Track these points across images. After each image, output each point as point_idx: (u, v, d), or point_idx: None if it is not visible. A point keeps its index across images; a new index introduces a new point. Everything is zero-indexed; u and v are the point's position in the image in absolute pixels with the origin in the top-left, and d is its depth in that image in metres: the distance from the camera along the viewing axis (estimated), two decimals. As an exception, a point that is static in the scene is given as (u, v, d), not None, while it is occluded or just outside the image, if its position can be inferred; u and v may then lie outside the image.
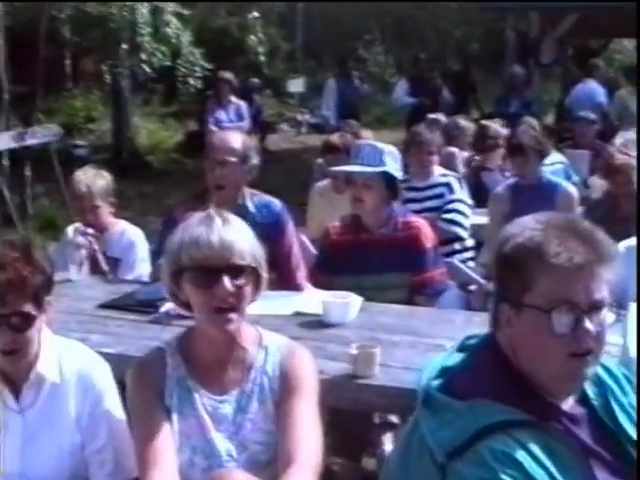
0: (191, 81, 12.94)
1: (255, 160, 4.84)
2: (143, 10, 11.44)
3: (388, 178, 4.69)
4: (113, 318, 4.25)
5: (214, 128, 10.73)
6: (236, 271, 2.66)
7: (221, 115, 11.49)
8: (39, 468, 2.91)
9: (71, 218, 5.49)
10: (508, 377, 2.13)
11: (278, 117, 19.06)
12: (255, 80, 16.77)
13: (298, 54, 21.97)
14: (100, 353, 3.57)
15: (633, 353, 2.72)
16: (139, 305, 4.33)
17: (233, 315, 2.68)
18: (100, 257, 5.21)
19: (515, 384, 2.12)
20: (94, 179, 5.33)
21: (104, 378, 2.98)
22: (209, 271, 2.64)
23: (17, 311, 2.78)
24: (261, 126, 16.36)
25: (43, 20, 11.49)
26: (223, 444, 2.75)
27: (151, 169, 15.43)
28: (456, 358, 2.27)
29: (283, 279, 4.84)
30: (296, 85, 18.39)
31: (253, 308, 4.10)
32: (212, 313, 2.68)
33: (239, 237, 2.68)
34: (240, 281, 2.67)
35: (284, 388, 2.77)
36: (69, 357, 2.98)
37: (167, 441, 2.69)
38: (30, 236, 9.60)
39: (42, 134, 10.40)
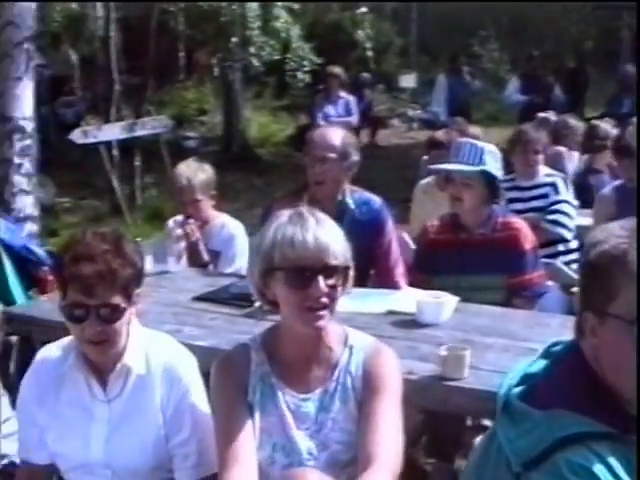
0: (300, 75, 12.97)
1: (355, 157, 4.81)
2: (253, 4, 11.51)
3: (488, 177, 4.62)
4: (208, 311, 4.28)
5: (322, 122, 10.74)
6: (331, 271, 2.65)
7: (329, 110, 11.51)
8: (123, 457, 2.94)
9: (177, 209, 5.54)
10: (590, 387, 2.06)
11: (389, 112, 18.94)
12: (366, 75, 16.73)
13: (412, 49, 21.85)
14: (191, 345, 3.61)
15: None
16: (234, 299, 4.34)
17: (324, 312, 2.67)
18: (202, 247, 5.24)
19: (597, 395, 2.05)
20: (195, 172, 5.35)
21: (190, 372, 2.99)
22: (304, 271, 2.63)
23: (106, 303, 2.81)
24: (372, 121, 16.30)
25: (154, 13, 11.65)
26: (304, 442, 2.74)
27: (261, 162, 15.51)
28: (539, 365, 2.21)
29: (380, 276, 4.83)
30: (408, 80, 18.28)
31: (346, 306, 4.14)
32: (304, 312, 2.66)
33: (333, 237, 2.67)
34: (333, 281, 2.66)
35: (367, 388, 2.74)
36: (156, 349, 3.00)
37: (248, 437, 2.69)
38: (137, 226, 9.78)
39: (152, 125, 10.55)
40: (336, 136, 4.80)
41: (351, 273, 2.77)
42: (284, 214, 2.73)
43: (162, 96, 17.99)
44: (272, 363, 2.80)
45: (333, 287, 2.66)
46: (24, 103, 7.62)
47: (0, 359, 4.47)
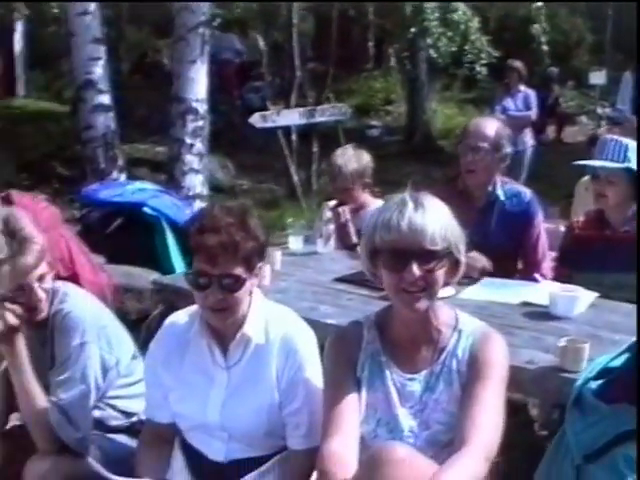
0: (477, 67, 12.94)
1: (508, 149, 4.84)
2: (433, -5, 11.58)
3: (633, 174, 4.56)
4: (346, 292, 4.40)
5: (501, 115, 10.69)
6: (427, 255, 2.71)
7: (509, 103, 11.42)
8: (238, 422, 3.09)
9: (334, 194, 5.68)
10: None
11: (578, 109, 18.67)
12: (554, 69, 16.50)
13: (606, 47, 21.37)
14: (323, 323, 3.75)
15: None
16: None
17: (421, 295, 2.74)
18: (351, 228, 5.36)
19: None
20: (349, 160, 5.46)
21: (307, 345, 3.11)
22: (399, 254, 2.71)
23: (228, 273, 2.96)
24: (559, 117, 16.09)
25: (335, 3, 11.86)
26: (407, 420, 2.82)
27: (442, 154, 15.52)
28: (620, 359, 2.23)
29: (528, 268, 4.85)
30: (598, 77, 17.88)
31: (483, 294, 4.18)
32: (401, 293, 2.75)
33: (431, 222, 2.71)
34: (430, 265, 2.72)
35: (472, 372, 2.80)
36: (276, 321, 3.13)
37: (353, 410, 2.80)
38: (311, 211, 9.97)
39: (331, 112, 10.72)
40: (490, 127, 4.84)
41: (462, 259, 2.82)
42: (391, 199, 2.80)
43: (350, 84, 18.21)
44: (382, 341, 2.89)
45: (430, 271, 2.72)
46: (198, 85, 7.94)
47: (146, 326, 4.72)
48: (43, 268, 3.38)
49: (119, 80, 17.80)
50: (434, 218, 2.73)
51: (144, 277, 6.16)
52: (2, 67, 20.03)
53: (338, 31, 12.28)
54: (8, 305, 3.30)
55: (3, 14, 17.68)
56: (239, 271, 2.98)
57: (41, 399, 3.35)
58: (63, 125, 15.77)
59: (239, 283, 2.99)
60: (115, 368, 3.50)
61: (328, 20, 12.41)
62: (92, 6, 7.94)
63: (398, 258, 2.71)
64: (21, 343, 3.34)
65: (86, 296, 3.62)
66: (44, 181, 13.16)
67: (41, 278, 3.38)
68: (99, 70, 8.12)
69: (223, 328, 3.10)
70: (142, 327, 5.10)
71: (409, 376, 2.85)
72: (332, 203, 5.52)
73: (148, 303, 5.98)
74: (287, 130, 11.04)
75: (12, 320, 3.29)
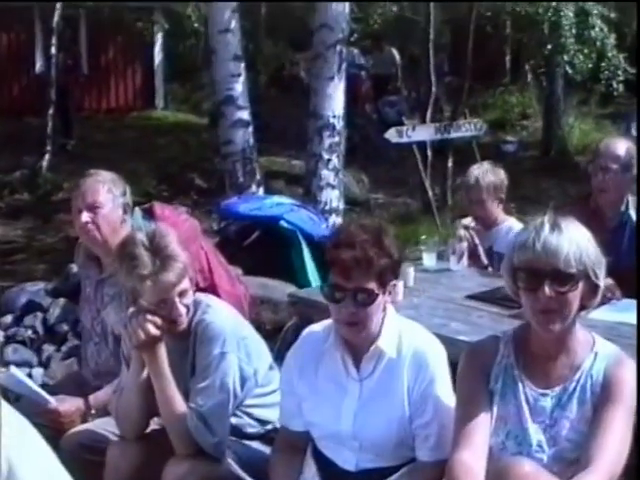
0: (614, 84, 12.80)
1: None
2: (569, 12, 11.49)
3: None
4: (477, 309, 4.46)
5: (633, 133, 10.59)
6: (560, 277, 2.76)
7: (641, 120, 11.30)
8: (369, 432, 3.19)
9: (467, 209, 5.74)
10: None
11: None
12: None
13: None
14: (454, 339, 3.82)
15: None
16: (504, 299, 4.46)
17: (555, 316, 2.79)
18: (481, 251, 5.42)
19: None
20: (485, 174, 5.53)
21: (438, 360, 3.19)
22: (533, 274, 2.77)
23: (361, 287, 3.07)
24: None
25: (472, 16, 11.87)
26: (536, 435, 2.87)
27: (579, 170, 15.35)
28: None
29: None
30: None
31: (613, 316, 4.17)
32: (537, 314, 2.81)
33: (567, 244, 2.75)
34: (564, 287, 2.77)
35: (604, 394, 2.83)
36: (408, 336, 3.22)
37: (484, 422, 2.88)
38: (445, 226, 10.01)
39: (466, 128, 10.75)
40: (621, 147, 4.86)
41: (600, 284, 2.85)
42: (532, 221, 2.87)
43: (486, 99, 18.17)
44: (518, 356, 2.96)
45: (563, 293, 2.77)
46: (335, 102, 8.08)
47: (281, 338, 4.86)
48: (185, 284, 3.51)
49: (256, 93, 18.17)
50: (570, 240, 2.77)
51: (280, 289, 6.31)
52: (142, 79, 20.63)
53: (475, 45, 12.29)
54: (149, 317, 3.46)
55: (143, 27, 18.20)
56: (372, 286, 3.08)
57: (181, 405, 3.48)
58: (201, 137, 16.17)
59: (372, 298, 3.09)
60: (253, 378, 3.62)
61: (465, 34, 12.43)
62: (233, 23, 8.18)
63: (532, 278, 2.77)
64: (162, 351, 3.49)
65: (227, 308, 3.74)
66: (183, 193, 13.50)
67: (182, 294, 3.51)
68: (239, 87, 8.35)
69: (356, 341, 3.20)
70: (277, 339, 5.25)
71: (542, 391, 2.91)
72: (466, 221, 5.58)
73: (283, 315, 6.12)
74: (422, 144, 11.11)
75: (153, 331, 3.44)
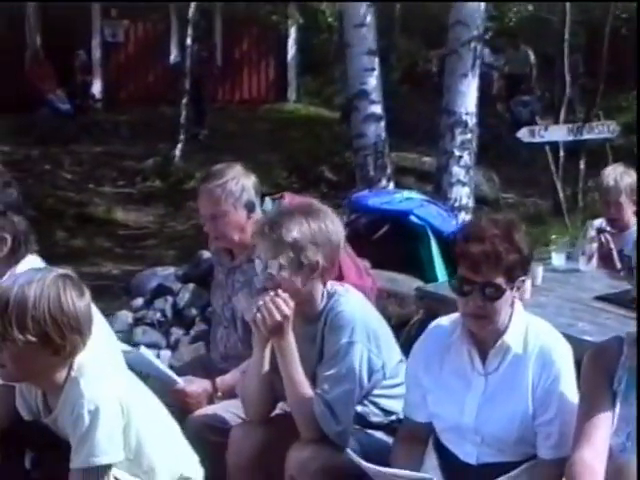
0: None
1: None
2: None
3: None
4: (605, 310, 4.43)
5: None
6: None
7: None
8: (492, 427, 3.20)
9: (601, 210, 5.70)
10: None
11: None
12: None
13: None
14: (580, 339, 3.81)
15: None
16: (633, 302, 4.42)
17: None
18: (614, 255, 5.36)
19: None
20: (622, 175, 5.47)
21: (564, 358, 3.19)
22: None
23: (489, 281, 3.09)
24: None
25: (608, 18, 11.71)
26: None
27: None
28: None
29: None
30: None
31: None
32: None
33: None
34: None
35: None
36: (535, 333, 3.22)
37: (606, 422, 2.88)
38: (575, 228, 9.88)
39: (599, 130, 10.58)
40: None
41: None
42: None
43: (620, 101, 17.84)
44: None
45: None
46: (468, 99, 8.07)
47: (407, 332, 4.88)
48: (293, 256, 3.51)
49: (389, 89, 18.17)
50: None
51: (407, 283, 6.31)
52: (275, 72, 20.85)
53: (610, 47, 12.10)
54: (281, 293, 3.50)
55: (277, 21, 18.37)
56: (500, 281, 3.09)
57: (307, 390, 3.51)
58: (333, 131, 16.28)
59: (499, 292, 3.11)
60: (382, 370, 3.62)
61: (600, 35, 12.26)
62: (368, 18, 8.23)
63: None
64: (291, 335, 3.51)
65: (359, 298, 3.74)
66: (313, 185, 13.61)
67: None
68: (372, 81, 8.39)
69: (483, 335, 3.21)
70: (402, 332, 5.27)
71: None
72: (597, 222, 5.53)
73: (409, 309, 6.13)
74: (555, 145, 10.98)
75: (285, 309, 3.47)
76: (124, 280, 8.60)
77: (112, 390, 2.97)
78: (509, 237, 3.10)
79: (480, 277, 3.07)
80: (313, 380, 3.56)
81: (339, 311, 3.56)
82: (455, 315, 3.33)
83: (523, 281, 3.20)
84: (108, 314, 6.94)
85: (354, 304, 3.62)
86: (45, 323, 2.89)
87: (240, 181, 4.23)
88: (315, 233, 3.49)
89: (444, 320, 3.41)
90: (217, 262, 4.54)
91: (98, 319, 3.39)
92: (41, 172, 14.63)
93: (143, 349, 4.18)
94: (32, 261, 3.54)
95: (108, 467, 2.96)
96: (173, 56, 19.24)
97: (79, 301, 2.97)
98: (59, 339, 2.92)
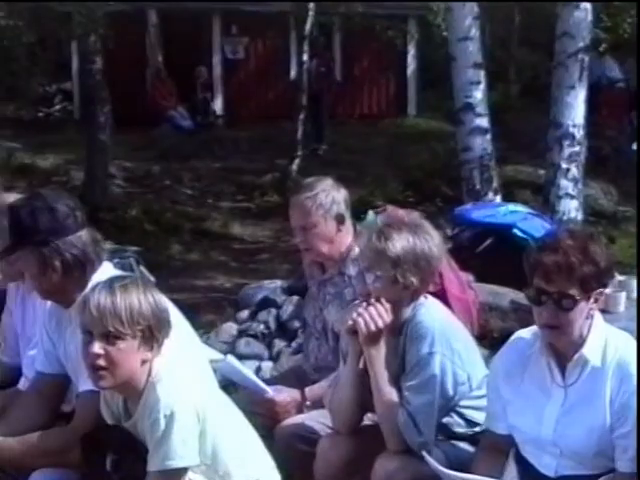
0: None
1: None
2: None
3: None
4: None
5: None
6: None
7: None
8: (570, 439, 3.18)
9: None
10: None
11: None
12: None
13: None
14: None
15: None
16: None
17: None
18: None
19: None
20: None
21: None
22: None
23: (562, 292, 3.07)
24: None
25: None
26: None
27: None
28: None
29: None
30: None
31: None
32: None
33: None
34: None
35: None
36: (614, 345, 3.19)
37: None
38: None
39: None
40: None
41: None
42: None
43: None
44: None
45: None
46: (575, 111, 7.98)
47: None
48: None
49: (505, 102, 18.02)
50: None
51: (509, 297, 6.28)
52: (395, 87, 20.87)
53: None
54: (383, 302, 3.54)
55: (395, 36, 18.34)
56: (574, 292, 3.07)
57: (395, 401, 3.54)
58: (450, 145, 16.22)
59: (573, 303, 3.09)
60: (467, 382, 3.62)
61: None
62: (473, 31, 8.24)
63: None
64: (383, 345, 3.56)
65: (441, 310, 3.76)
66: (428, 199, 13.59)
67: None
68: (478, 94, 8.39)
69: (560, 346, 3.20)
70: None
71: None
72: None
73: (511, 323, 6.09)
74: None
75: (385, 317, 3.51)
76: (235, 293, 8.74)
77: (189, 396, 3.05)
78: (584, 249, 3.08)
79: (553, 287, 3.06)
80: (398, 390, 3.59)
81: (418, 321, 3.59)
82: (536, 327, 3.31)
83: (601, 293, 3.17)
84: (215, 326, 7.12)
85: (434, 314, 3.64)
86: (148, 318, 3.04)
87: (330, 193, 4.27)
88: (418, 254, 3.55)
89: (525, 332, 3.40)
90: (310, 275, 4.60)
91: (183, 327, 3.48)
92: (161, 187, 14.96)
93: (230, 358, 4.26)
94: (106, 270, 3.63)
95: (184, 470, 3.04)
96: (293, 72, 19.45)
97: (157, 304, 3.09)
98: (157, 333, 3.07)
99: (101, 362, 3.05)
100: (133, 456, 3.08)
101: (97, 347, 3.04)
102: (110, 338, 3.03)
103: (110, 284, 3.10)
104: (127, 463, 3.11)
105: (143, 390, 3.10)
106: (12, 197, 4.00)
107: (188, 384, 3.12)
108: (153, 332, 3.05)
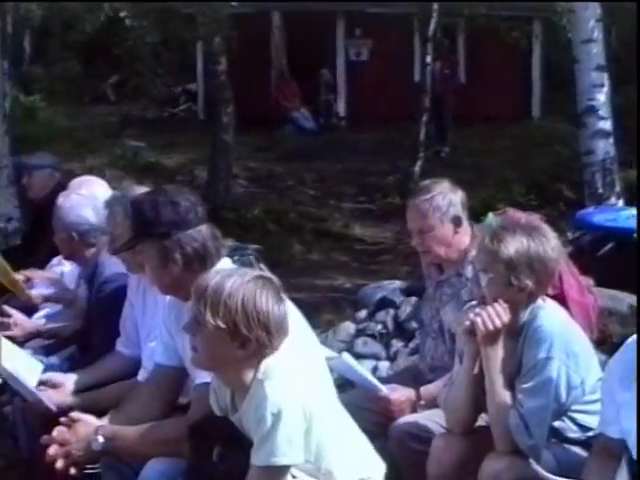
0: None
1: None
2: None
3: None
4: None
5: None
6: None
7: None
8: None
9: None
10: None
11: None
12: None
13: None
14: None
15: None
16: None
17: None
18: None
19: None
20: None
21: None
22: None
23: None
24: None
25: None
26: None
27: None
28: None
29: None
30: None
31: None
32: None
33: None
34: None
35: None
36: None
37: None
38: None
39: None
40: None
41: None
42: None
43: None
44: None
45: None
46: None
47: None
48: None
49: (631, 105, 17.64)
50: None
51: (629, 302, 6.21)
52: (519, 89, 20.64)
53: None
54: (502, 303, 3.55)
55: (519, 37, 18.16)
56: None
57: (508, 402, 3.55)
58: (574, 148, 16.01)
59: None
60: (580, 387, 3.61)
61: None
62: (596, 33, 8.15)
63: None
64: (500, 346, 3.58)
65: (561, 315, 3.74)
66: (551, 203, 13.45)
67: None
68: (601, 97, 8.31)
69: None
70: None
71: None
72: None
73: (632, 328, 6.02)
74: None
75: (504, 318, 3.53)
76: (354, 293, 8.81)
77: (296, 395, 3.08)
78: None
79: None
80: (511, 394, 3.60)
81: (538, 325, 3.59)
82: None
83: None
84: (333, 325, 7.20)
85: (553, 319, 3.63)
86: (236, 312, 3.04)
87: (447, 196, 4.30)
88: (532, 256, 3.55)
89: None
90: (427, 275, 4.64)
91: (298, 325, 3.54)
92: (284, 188, 15.12)
93: (345, 355, 4.31)
94: (225, 265, 3.67)
95: (286, 468, 3.08)
96: (416, 74, 19.44)
97: (273, 302, 3.10)
98: (246, 331, 3.05)
99: (193, 342, 3.16)
100: (238, 449, 3.12)
101: (187, 327, 3.15)
102: (197, 323, 3.10)
103: (221, 271, 3.18)
104: (233, 455, 3.16)
105: (250, 386, 3.14)
106: (137, 189, 4.12)
107: (297, 383, 3.14)
108: (239, 327, 3.06)
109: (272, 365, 3.14)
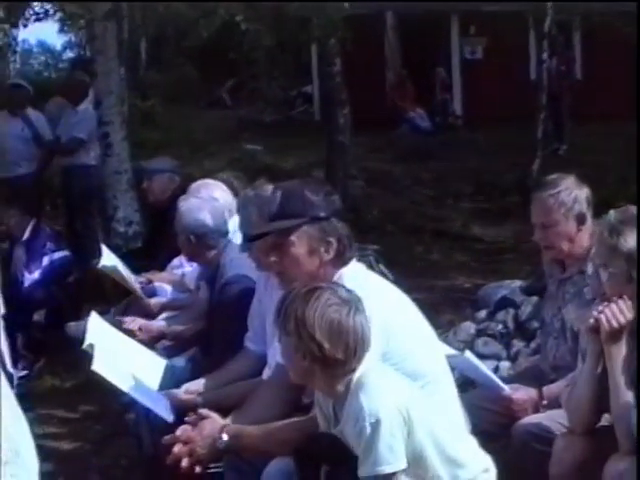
0: None
1: None
2: None
3: None
4: None
5: None
6: None
7: None
8: None
9: None
10: None
11: None
12: None
13: None
14: None
15: None
16: None
17: None
18: None
19: None
20: None
21: None
22: None
23: None
24: None
25: None
26: None
27: None
28: None
29: None
30: None
31: None
32: None
33: None
34: None
35: None
36: None
37: None
38: None
39: None
40: None
41: None
42: None
43: None
44: None
45: None
46: None
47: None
48: None
49: None
50: None
51: None
52: (638, 86, 20.22)
53: None
54: (626, 299, 3.48)
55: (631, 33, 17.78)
56: None
57: (630, 401, 3.48)
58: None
59: None
60: None
61: None
62: None
63: None
64: (624, 344, 3.51)
65: None
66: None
67: None
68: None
69: None
70: None
71: None
72: None
73: None
74: None
75: (628, 315, 3.47)
76: (474, 293, 8.76)
77: (392, 400, 3.08)
78: None
79: None
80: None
81: None
82: None
83: None
84: (454, 325, 7.18)
85: None
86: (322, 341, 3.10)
87: (573, 192, 4.26)
88: None
89: None
90: (549, 273, 4.60)
91: (421, 325, 3.54)
92: (401, 188, 15.09)
93: (468, 353, 4.29)
94: (355, 268, 3.67)
95: (392, 475, 3.08)
96: (532, 72, 19.24)
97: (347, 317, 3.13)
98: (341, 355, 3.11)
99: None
100: (345, 469, 3.13)
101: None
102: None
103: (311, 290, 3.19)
104: (340, 475, 3.18)
105: (346, 397, 3.16)
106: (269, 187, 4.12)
107: (391, 387, 3.15)
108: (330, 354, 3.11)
109: (363, 374, 3.16)
